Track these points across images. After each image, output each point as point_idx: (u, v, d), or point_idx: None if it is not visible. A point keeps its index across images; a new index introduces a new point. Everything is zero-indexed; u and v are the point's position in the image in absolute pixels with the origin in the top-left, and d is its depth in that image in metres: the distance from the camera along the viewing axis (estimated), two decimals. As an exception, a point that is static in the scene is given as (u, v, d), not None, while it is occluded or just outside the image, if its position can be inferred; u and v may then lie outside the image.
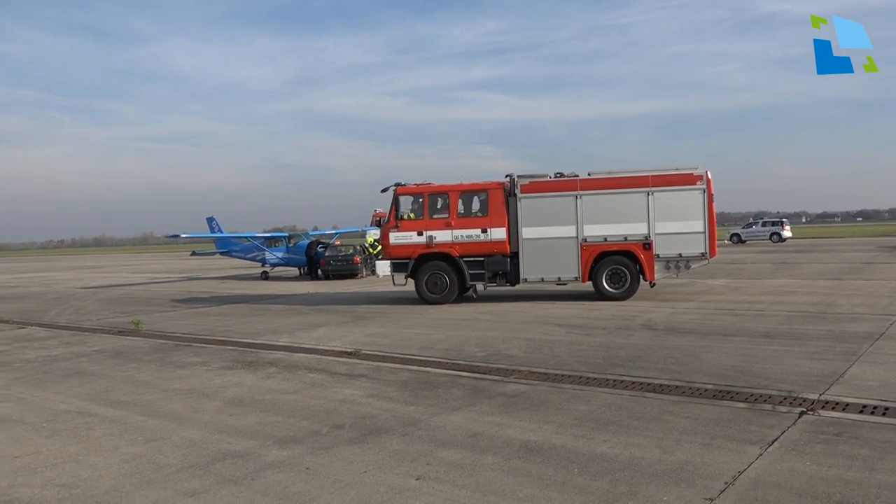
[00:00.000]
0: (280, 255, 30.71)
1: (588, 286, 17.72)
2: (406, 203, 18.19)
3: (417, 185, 18.48)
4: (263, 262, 31.44)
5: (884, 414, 6.61)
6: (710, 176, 16.70)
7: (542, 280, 17.55)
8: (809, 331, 11.52)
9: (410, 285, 18.41)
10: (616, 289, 17.11)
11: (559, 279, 17.52)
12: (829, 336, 10.95)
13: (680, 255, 16.81)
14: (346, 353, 11.09)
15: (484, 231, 17.64)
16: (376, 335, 12.92)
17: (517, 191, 17.44)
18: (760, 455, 5.56)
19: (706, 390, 7.82)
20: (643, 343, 11.06)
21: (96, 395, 8.64)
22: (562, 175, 17.71)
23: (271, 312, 17.55)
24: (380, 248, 30.54)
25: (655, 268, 16.90)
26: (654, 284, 17.53)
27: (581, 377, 8.76)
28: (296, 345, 12.16)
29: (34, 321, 17.67)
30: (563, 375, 8.89)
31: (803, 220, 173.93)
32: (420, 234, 17.91)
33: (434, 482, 5.22)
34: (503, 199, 17.65)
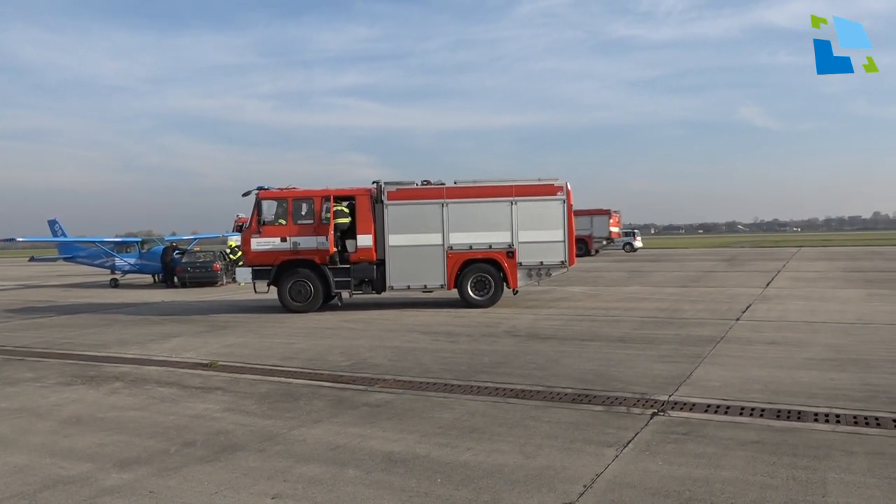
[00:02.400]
0: (132, 261, 28.77)
1: (453, 294, 17.88)
2: (269, 208, 17.57)
3: (281, 189, 17.92)
4: (113, 268, 29.35)
5: (726, 412, 7.02)
6: (569, 187, 17.34)
7: (409, 287, 17.51)
8: (660, 335, 12.16)
9: (273, 293, 17.78)
10: (481, 296, 17.35)
11: (425, 286, 17.54)
12: (676, 340, 11.60)
13: (541, 263, 17.31)
14: (201, 364, 10.48)
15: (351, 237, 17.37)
16: (235, 345, 12.32)
17: (384, 197, 17.31)
18: (617, 457, 5.71)
19: (566, 394, 8.01)
20: (506, 349, 11.22)
21: None
22: (428, 183, 17.76)
23: (120, 323, 16.35)
24: (240, 254, 29.72)
25: (518, 275, 17.30)
26: (517, 292, 17.93)
27: (446, 384, 8.72)
28: (145, 357, 11.35)
29: None
30: (428, 383, 8.82)
31: (652, 231, 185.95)
32: (284, 240, 17.34)
33: (291, 500, 4.95)
34: (370, 205, 17.46)
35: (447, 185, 17.58)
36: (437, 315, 16.15)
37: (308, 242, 17.26)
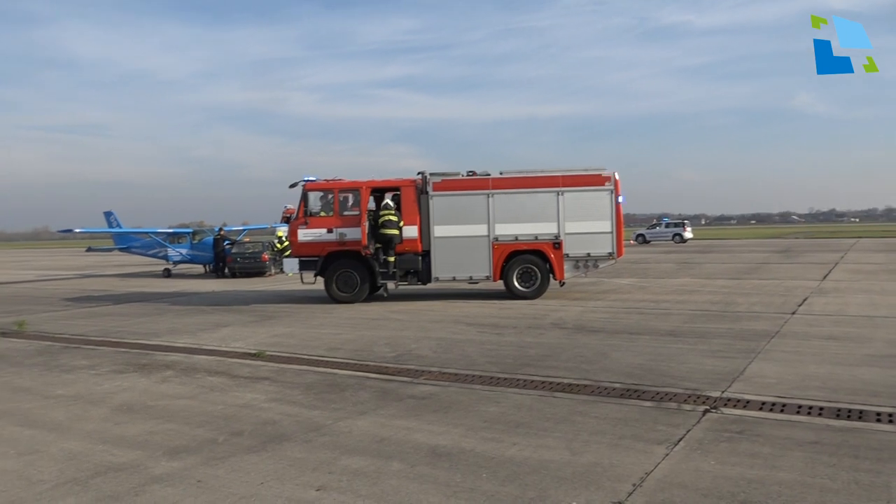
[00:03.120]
0: (184, 251, 29.41)
1: (498, 285, 17.76)
2: (316, 199, 17.69)
3: (327, 180, 18.02)
4: (166, 258, 30.03)
5: (782, 411, 6.77)
6: (617, 177, 17.03)
7: (454, 279, 17.45)
8: (711, 329, 11.85)
9: (320, 284, 17.93)
10: (526, 288, 17.19)
11: (471, 278, 17.46)
12: (730, 334, 11.28)
13: (588, 254, 17.05)
14: (249, 354, 10.60)
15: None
16: (283, 335, 12.45)
17: (429, 188, 17.26)
18: (667, 455, 5.55)
19: (614, 389, 7.85)
20: (553, 342, 11.08)
21: (-34, 404, 7.87)
22: (474, 173, 17.65)
23: (172, 312, 16.70)
24: (287, 244, 30.09)
25: (565, 267, 17.07)
26: (564, 283, 17.72)
27: (492, 377, 8.64)
28: (196, 346, 11.55)
29: None
30: (473, 376, 8.75)
31: (702, 221, 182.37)
32: (330, 231, 17.45)
33: (335, 492, 4.94)
34: (415, 196, 17.44)
35: (493, 175, 17.44)
36: (482, 307, 16.07)
37: (354, 233, 17.30)
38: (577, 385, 8.10)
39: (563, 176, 17.10)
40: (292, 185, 18.43)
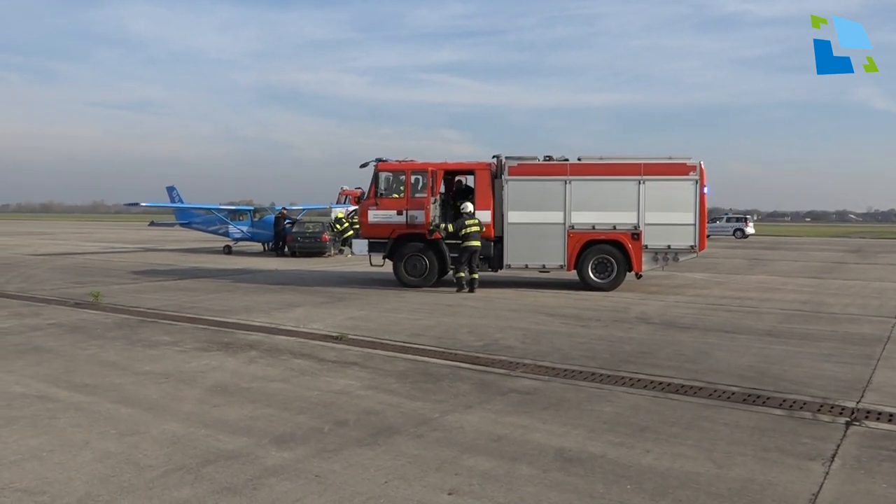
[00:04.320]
0: (245, 228, 29.42)
1: (569, 275, 17.21)
2: (387, 180, 17.30)
3: (399, 161, 17.63)
4: (227, 235, 30.10)
5: (936, 427, 6.12)
6: (703, 167, 16.25)
7: (527, 267, 16.93)
8: (812, 330, 11.13)
9: (387, 267, 17.60)
10: (602, 279, 16.57)
11: (543, 266, 16.91)
12: (835, 337, 10.56)
13: (669, 246, 16.34)
14: (331, 336, 10.28)
15: (468, 213, 16.89)
16: (359, 318, 12.12)
17: (504, 173, 16.73)
18: (827, 474, 4.98)
19: (733, 393, 7.27)
20: (645, 338, 10.52)
21: (57, 377, 7.68)
22: (550, 158, 17.04)
23: (241, 289, 16.55)
24: (346, 225, 29.90)
25: (643, 259, 16.41)
26: (641, 276, 17.05)
27: (593, 374, 8.13)
28: (273, 325, 11.28)
29: (-20, 288, 16.35)
30: (572, 371, 8.26)
31: (755, 217, 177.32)
32: (400, 213, 17.07)
33: (469, 497, 4.51)
34: (489, 180, 16.93)
35: (571, 161, 16.81)
36: (557, 297, 15.52)
37: (424, 216, 16.91)
38: (689, 386, 7.54)
39: (645, 164, 16.38)
40: (363, 165, 18.09)
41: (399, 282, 17.18)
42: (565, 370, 8.31)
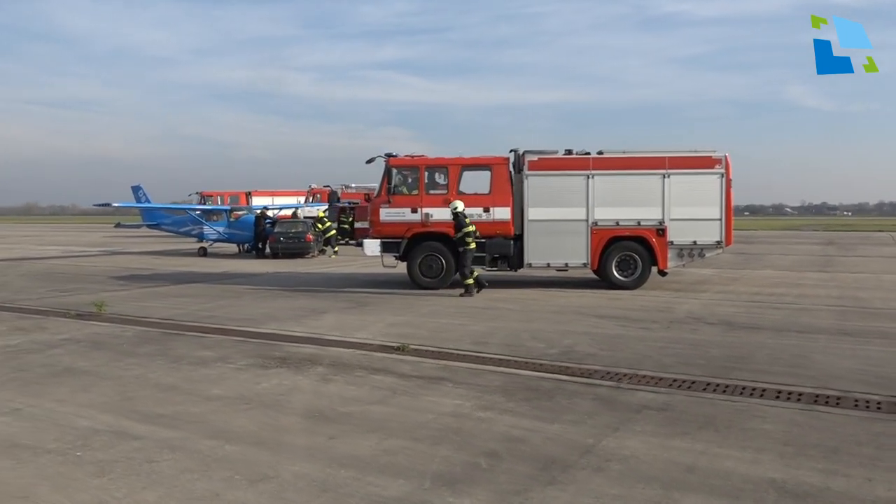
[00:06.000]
0: (221, 229, 27.86)
1: (585, 272, 16.64)
2: (399, 176, 16.37)
3: (412, 156, 16.72)
4: (200, 237, 28.49)
5: None
6: (729, 160, 15.82)
7: (549, 266, 16.23)
8: (887, 328, 10.74)
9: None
10: (626, 277, 15.99)
11: (566, 265, 16.25)
12: (913, 335, 10.16)
13: (695, 242, 15.85)
14: (391, 347, 9.36)
15: (486, 210, 16.08)
16: (402, 325, 11.21)
17: (524, 168, 15.99)
18: None
19: (878, 403, 6.68)
20: (720, 340, 9.92)
21: (118, 406, 6.59)
22: (570, 152, 16.38)
23: (248, 295, 15.39)
24: (328, 225, 28.75)
25: (668, 255, 15.89)
26: (666, 273, 16.54)
27: (708, 384, 7.46)
28: (317, 335, 10.29)
29: (-47, 299, 14.79)
30: (684, 381, 7.57)
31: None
32: (414, 210, 16.17)
33: (737, 553, 3.74)
34: (508, 175, 16.18)
35: (593, 155, 16.17)
36: (584, 297, 14.88)
37: (440, 214, 16.05)
38: (825, 396, 6.92)
39: (669, 157, 15.86)
40: (369, 161, 17.17)
41: (413, 283, 16.27)
42: (674, 380, 7.62)
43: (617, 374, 7.92)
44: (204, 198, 39.78)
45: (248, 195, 39.24)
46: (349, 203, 36.47)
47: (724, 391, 7.20)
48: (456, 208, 15.35)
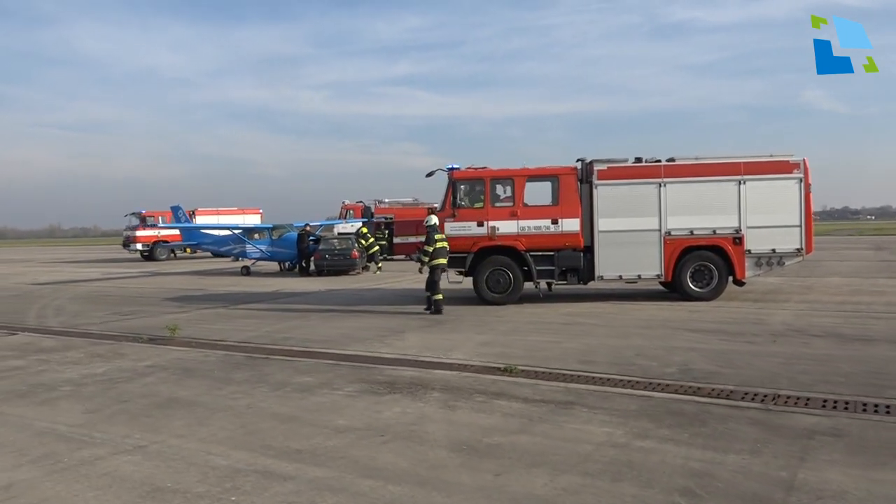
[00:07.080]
0: (264, 248, 27.55)
1: (648, 284, 16.11)
2: (464, 189, 15.93)
3: (475, 168, 16.28)
4: (243, 255, 28.24)
5: None
6: (807, 164, 15.23)
7: (621, 278, 15.68)
8: None
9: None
10: (701, 288, 15.41)
11: (639, 276, 15.69)
12: None
13: (773, 250, 15.27)
14: (496, 369, 8.87)
15: (554, 222, 15.60)
16: (493, 344, 10.72)
17: (593, 177, 15.49)
18: None
19: None
20: (841, 354, 9.34)
21: (244, 440, 6.13)
22: (640, 160, 15.87)
23: (316, 314, 14.95)
24: (371, 241, 28.37)
25: (746, 265, 15.30)
26: (744, 283, 15.91)
27: (864, 405, 6.89)
28: (409, 357, 9.82)
29: (17, 325, 14.49)
30: (837, 401, 7.00)
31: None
32: (480, 224, 15.71)
33: None
34: (576, 185, 15.69)
35: (664, 162, 15.65)
36: (662, 309, 14.30)
37: (508, 227, 15.60)
38: None
39: (745, 163, 15.31)
40: (429, 174, 16.92)
41: (480, 298, 15.80)
42: (825, 400, 7.06)
43: (756, 394, 7.37)
44: (143, 218, 39.95)
45: (192, 213, 38.38)
46: (384, 218, 36.18)
47: (885, 412, 6.63)
48: (429, 222, 14.98)
